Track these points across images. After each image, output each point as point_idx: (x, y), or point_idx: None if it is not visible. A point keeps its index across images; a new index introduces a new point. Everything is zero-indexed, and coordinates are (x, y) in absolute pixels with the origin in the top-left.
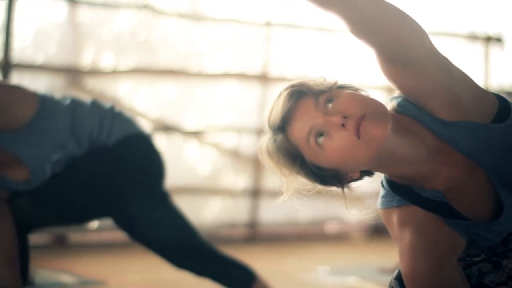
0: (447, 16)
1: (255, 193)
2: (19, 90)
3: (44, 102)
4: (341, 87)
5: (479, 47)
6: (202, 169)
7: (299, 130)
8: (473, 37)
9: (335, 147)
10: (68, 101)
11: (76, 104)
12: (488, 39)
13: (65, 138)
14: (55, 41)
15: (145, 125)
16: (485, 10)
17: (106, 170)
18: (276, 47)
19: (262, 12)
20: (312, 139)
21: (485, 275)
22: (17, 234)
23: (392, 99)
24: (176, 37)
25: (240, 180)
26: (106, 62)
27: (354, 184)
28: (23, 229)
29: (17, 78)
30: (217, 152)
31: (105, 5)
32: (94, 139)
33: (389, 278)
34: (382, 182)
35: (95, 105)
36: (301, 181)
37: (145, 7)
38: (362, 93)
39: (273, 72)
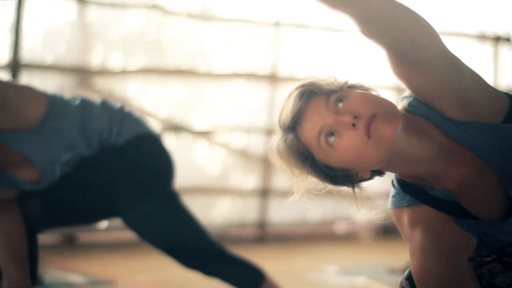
0: (456, 16)
1: (264, 193)
2: (29, 90)
3: (54, 102)
4: (352, 87)
5: (488, 47)
6: (211, 169)
7: (310, 129)
8: (482, 37)
9: (346, 146)
10: (77, 101)
11: (85, 104)
12: (498, 39)
13: (74, 139)
14: (64, 41)
15: (154, 125)
16: (495, 10)
17: (116, 170)
18: (285, 47)
19: (271, 12)
20: (322, 138)
21: (495, 276)
22: (26, 234)
23: (402, 98)
24: (185, 37)
25: (249, 180)
26: (115, 62)
27: (364, 184)
28: (32, 229)
29: (26, 78)
30: (226, 152)
31: (114, 5)
32: (104, 139)
33: (398, 278)
34: (392, 182)
35: (105, 105)
36: (312, 181)
37: (154, 7)
38: (373, 92)
39: (282, 72)
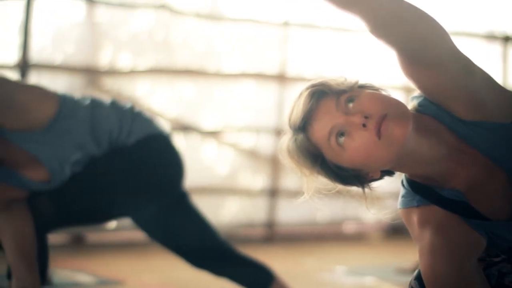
0: (465, 16)
1: (273, 193)
2: (39, 90)
3: (64, 102)
4: (362, 87)
5: (497, 47)
6: (220, 169)
7: (320, 129)
8: (491, 37)
9: (356, 147)
10: (87, 101)
11: (95, 104)
12: (506, 39)
13: (84, 138)
14: (73, 41)
15: (163, 125)
16: (503, 9)
17: (126, 170)
18: (294, 47)
19: (280, 12)
20: (333, 139)
21: (505, 276)
22: (36, 234)
23: (412, 98)
24: (193, 37)
25: (258, 180)
26: (124, 62)
27: (374, 184)
28: (42, 229)
29: (35, 78)
30: (235, 152)
31: (123, 5)
32: (114, 139)
33: (406, 279)
34: (402, 182)
35: (115, 105)
36: (321, 181)
37: (163, 7)
38: (383, 92)
39: (290, 72)
